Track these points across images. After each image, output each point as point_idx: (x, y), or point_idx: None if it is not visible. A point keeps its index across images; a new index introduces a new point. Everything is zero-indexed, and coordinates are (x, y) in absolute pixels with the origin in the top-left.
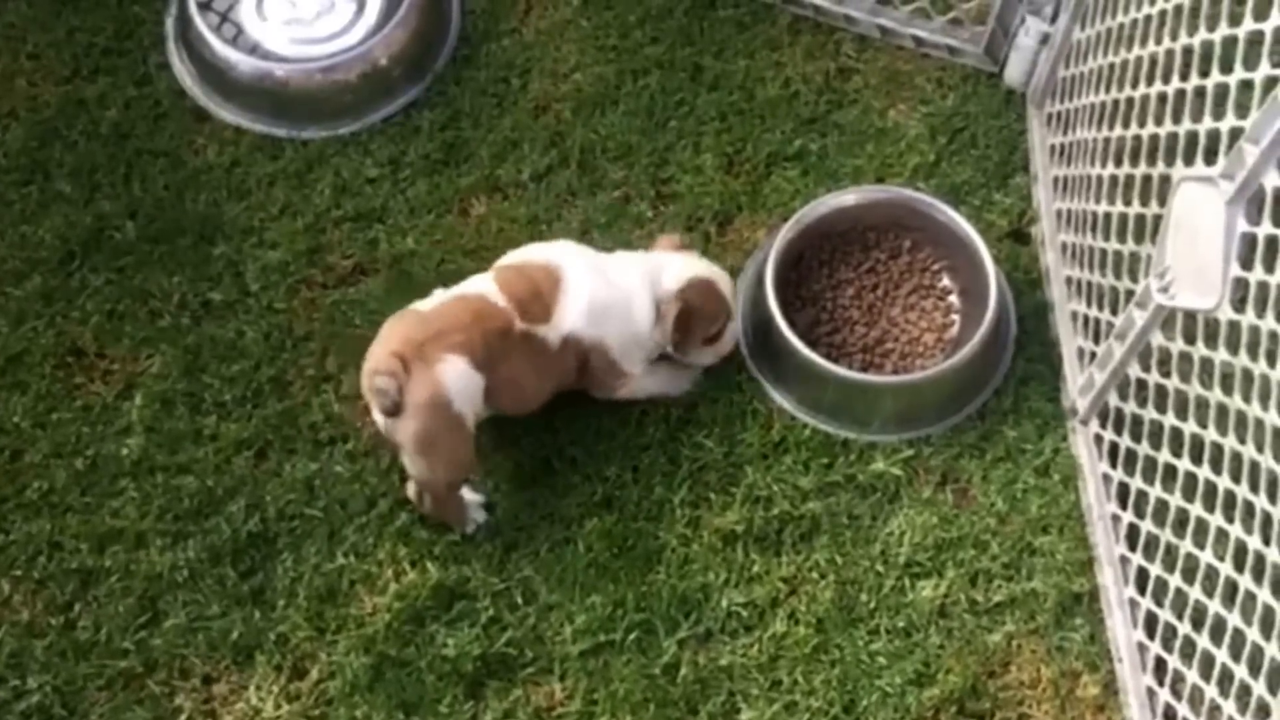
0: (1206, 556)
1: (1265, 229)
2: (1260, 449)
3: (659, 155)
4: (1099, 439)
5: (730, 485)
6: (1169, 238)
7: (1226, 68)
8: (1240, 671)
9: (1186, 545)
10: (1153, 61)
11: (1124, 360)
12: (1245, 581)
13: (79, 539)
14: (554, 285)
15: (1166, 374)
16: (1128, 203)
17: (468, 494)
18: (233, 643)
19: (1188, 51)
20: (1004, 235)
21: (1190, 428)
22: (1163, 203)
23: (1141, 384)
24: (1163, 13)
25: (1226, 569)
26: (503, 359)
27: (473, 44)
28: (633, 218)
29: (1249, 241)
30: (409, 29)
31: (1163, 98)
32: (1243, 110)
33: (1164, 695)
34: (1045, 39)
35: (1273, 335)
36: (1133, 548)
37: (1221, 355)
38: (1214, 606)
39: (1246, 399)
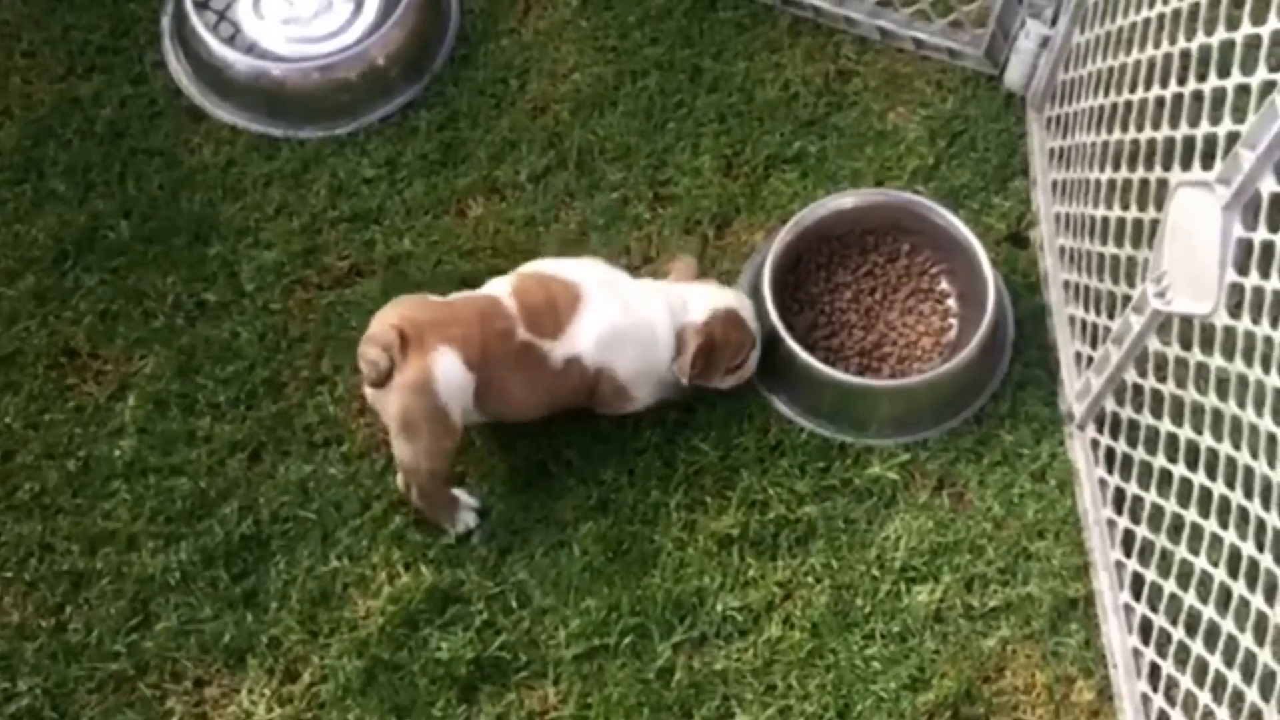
0: (1201, 562)
1: (1261, 234)
2: (1255, 455)
3: (657, 157)
4: (1095, 444)
5: (726, 489)
6: (1166, 243)
7: (1224, 72)
8: (1234, 678)
9: (1181, 551)
10: (1151, 65)
11: (1120, 365)
12: (1239, 587)
13: (70, 541)
14: (571, 304)
15: (1163, 379)
16: (1125, 207)
17: (462, 496)
18: (225, 645)
19: (1185, 55)
20: (1002, 239)
21: (1186, 433)
22: (1160, 207)
23: (1138, 389)
24: (1161, 16)
25: (1221, 575)
26: (497, 364)
27: (471, 44)
28: (631, 219)
29: (1245, 247)
30: (407, 28)
31: (1160, 102)
32: (1240, 115)
33: (1158, 701)
34: (1045, 42)
35: (1268, 341)
36: (1128, 553)
37: (1217, 361)
38: (1208, 612)
39: (1241, 404)
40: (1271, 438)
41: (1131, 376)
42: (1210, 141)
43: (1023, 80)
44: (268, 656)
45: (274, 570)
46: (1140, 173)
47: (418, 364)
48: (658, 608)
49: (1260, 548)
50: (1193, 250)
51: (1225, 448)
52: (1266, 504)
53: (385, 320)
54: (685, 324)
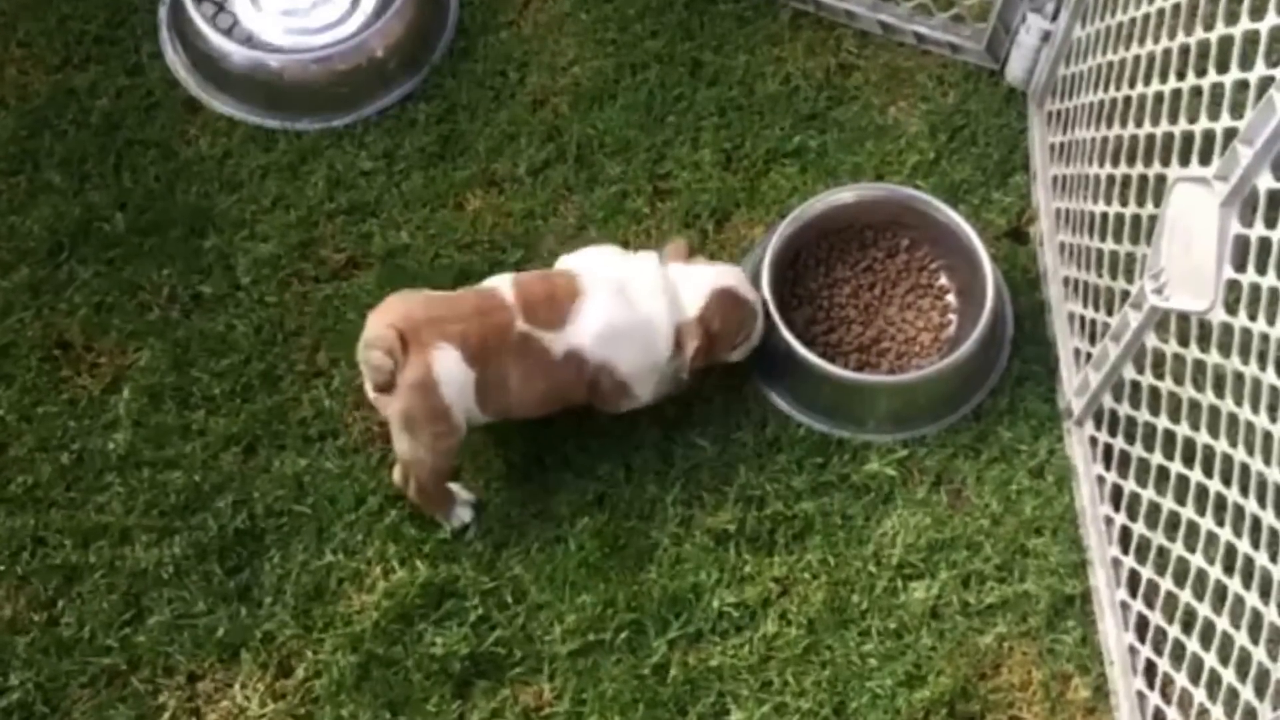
0: (1197, 560)
1: (1258, 231)
2: (1251, 452)
3: (657, 151)
4: (1094, 440)
5: (723, 484)
6: (1164, 239)
7: (1223, 67)
8: (1228, 676)
9: (1178, 548)
10: (1150, 60)
11: (1118, 362)
12: (1234, 585)
13: (63, 534)
14: (572, 296)
15: (1160, 376)
16: (1124, 203)
17: (458, 491)
18: (218, 640)
19: (1185, 50)
20: (1002, 234)
21: (1183, 430)
22: (1159, 203)
23: (1136, 385)
24: (1160, 11)
25: (1216, 573)
26: (497, 357)
27: (470, 36)
28: (630, 213)
29: (1242, 243)
30: (405, 20)
31: (1160, 97)
32: (1238, 111)
33: (1154, 699)
34: (1046, 37)
35: (1264, 338)
36: (1125, 550)
37: (1214, 358)
38: (1204, 610)
39: (1238, 402)
40: (1268, 435)
41: (1129, 373)
42: (1209, 137)
43: (1024, 75)
44: (261, 651)
45: (268, 565)
46: (1139, 168)
47: (418, 363)
48: (654, 604)
49: (1256, 545)
50: (1190, 247)
51: (1222, 445)
52: (1262, 501)
53: (382, 321)
54: (681, 319)
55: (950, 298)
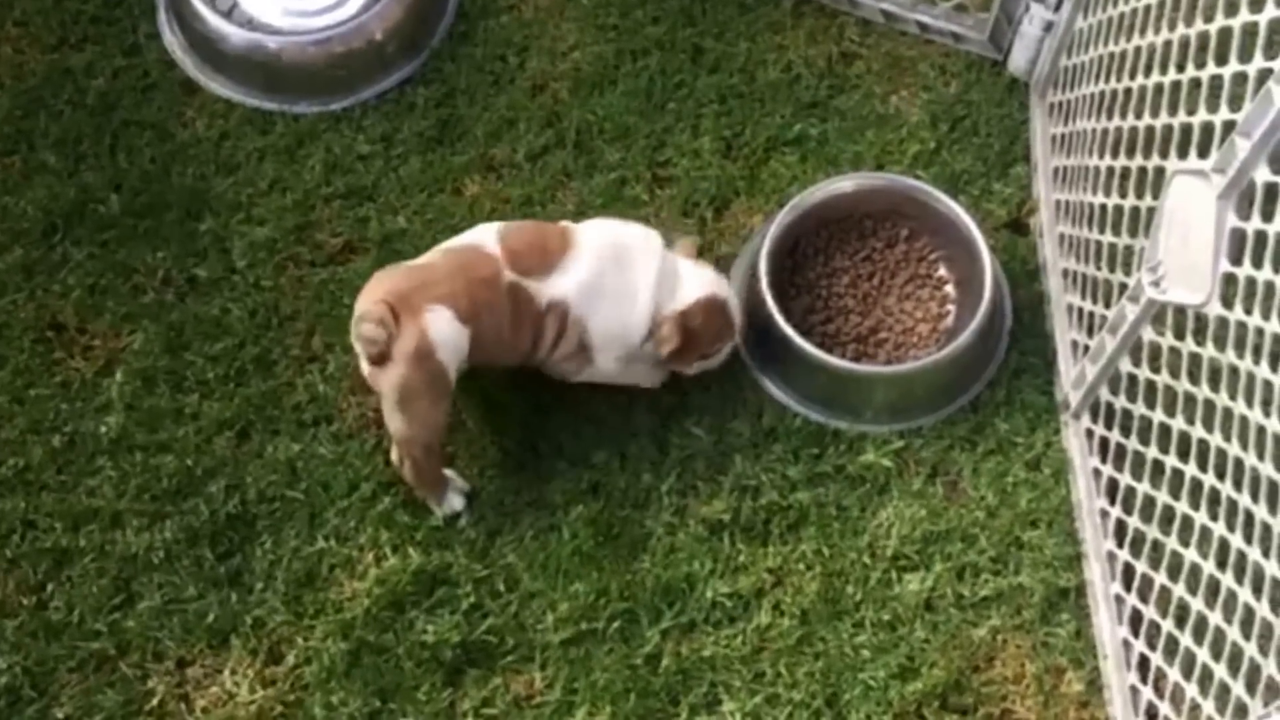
0: (1191, 554)
1: (1254, 224)
2: (1245, 447)
3: (657, 137)
4: (1090, 433)
5: (719, 474)
6: (1161, 231)
7: (1221, 60)
8: (1220, 671)
9: (1172, 542)
10: (1150, 52)
11: (1115, 354)
12: (1227, 580)
13: (54, 518)
14: (563, 246)
15: (1156, 369)
16: (1123, 195)
17: (454, 478)
18: (208, 626)
19: (1184, 42)
20: (1002, 225)
21: (1178, 424)
22: (1158, 196)
23: (1132, 379)
24: (1161, 3)
25: (1209, 567)
26: (488, 312)
27: (470, 20)
28: (628, 200)
29: (1239, 237)
30: (405, 3)
31: (1159, 89)
32: (1237, 103)
33: (1147, 693)
34: (1049, 27)
35: (1259, 332)
36: (1120, 544)
37: (1210, 351)
38: (1196, 605)
39: (1233, 396)
40: (1261, 430)
41: (1126, 366)
42: (1208, 130)
43: (1026, 65)
44: (251, 637)
45: (260, 550)
46: (1138, 160)
47: (412, 330)
48: (647, 593)
49: (1249, 540)
50: (1188, 239)
51: (1216, 439)
52: (1255, 497)
53: (371, 297)
54: (666, 309)
55: (949, 288)
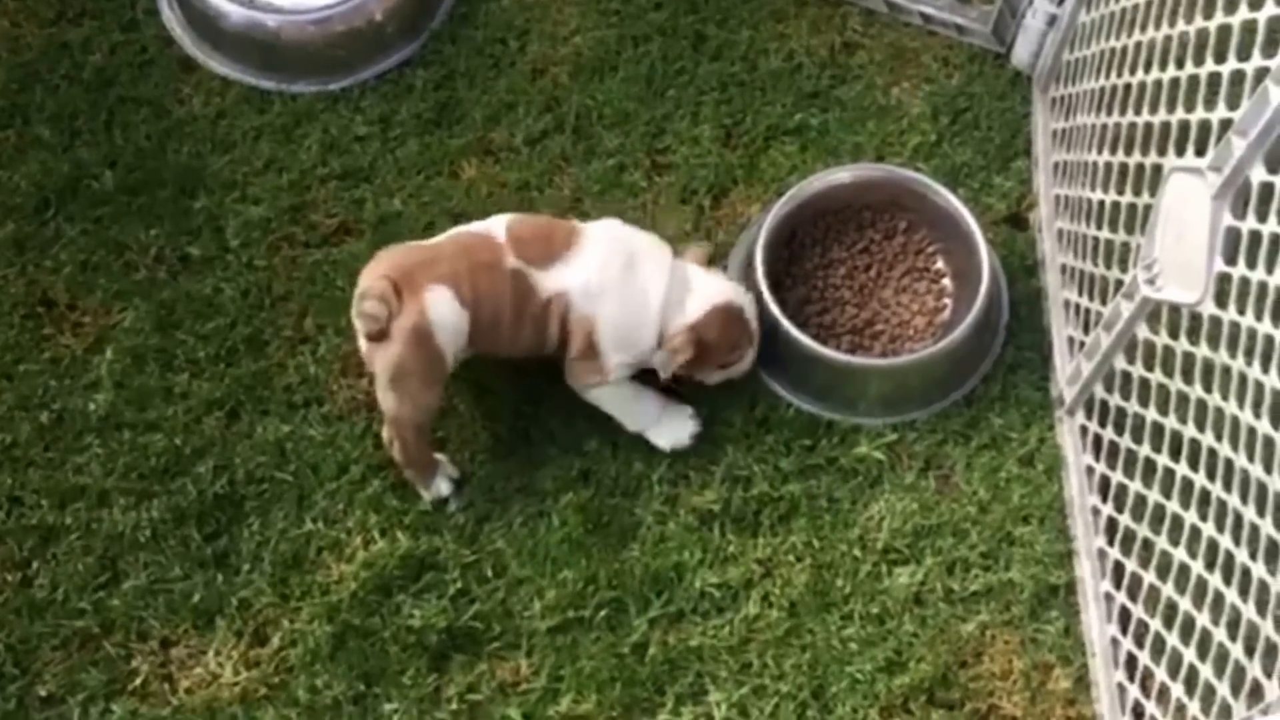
0: (1180, 554)
1: (1249, 224)
2: (1235, 448)
3: (656, 124)
4: (1084, 430)
5: (710, 464)
6: (1157, 229)
7: (1220, 57)
8: (1206, 671)
9: (1162, 541)
10: (1150, 48)
11: (1110, 351)
12: (1215, 580)
13: (40, 495)
14: (568, 239)
15: (1150, 368)
16: (1121, 191)
17: (444, 463)
18: (193, 606)
19: (1184, 39)
20: (1001, 219)
21: (1170, 423)
22: (1156, 193)
23: (1126, 376)
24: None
25: (1198, 567)
26: (489, 297)
27: (471, 2)
28: (626, 187)
29: (1234, 236)
30: None
31: (1159, 85)
32: (1235, 101)
33: (1134, 691)
34: (1052, 21)
35: (1251, 333)
36: (1111, 542)
37: (1203, 351)
38: (1185, 604)
39: (1225, 396)
40: (1251, 431)
41: (1120, 363)
42: (1205, 128)
43: (1029, 59)
44: (237, 618)
45: (247, 531)
46: (1136, 157)
47: (413, 308)
48: (635, 582)
49: (1237, 541)
50: (1183, 238)
51: (1208, 439)
52: (1245, 498)
53: (374, 273)
54: (677, 320)
55: (946, 281)
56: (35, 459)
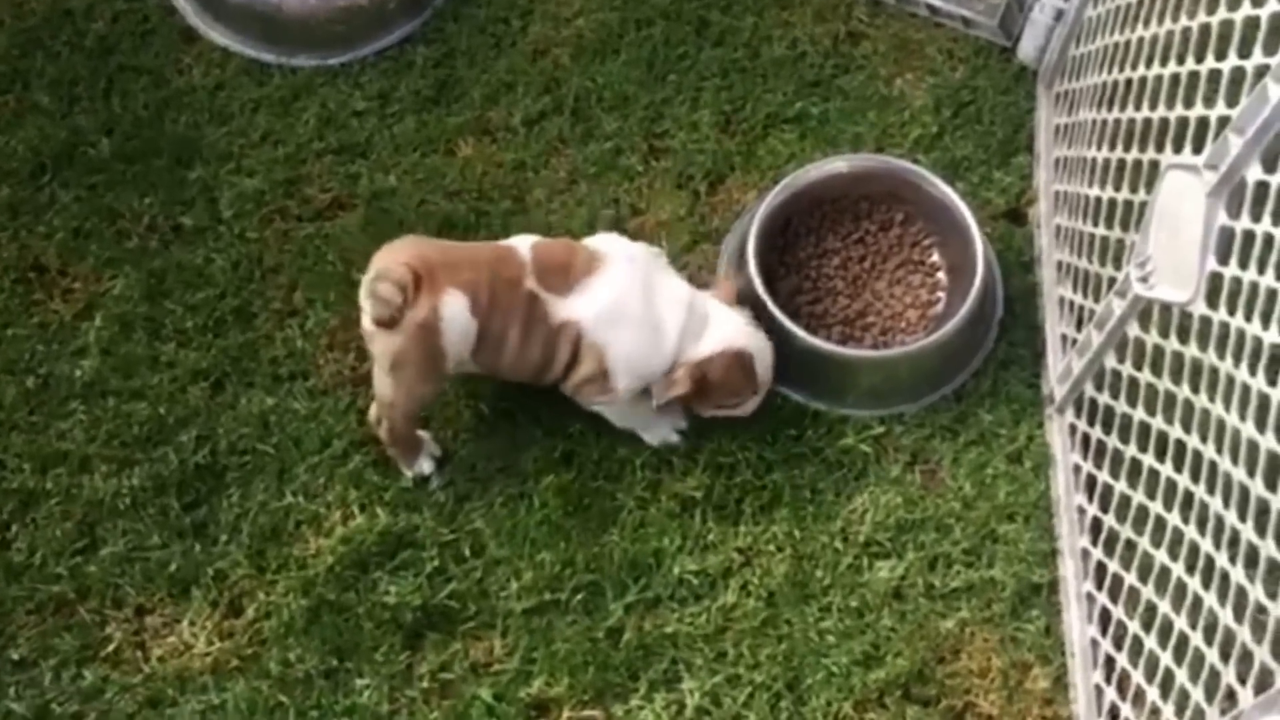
0: (1161, 556)
1: (1243, 223)
2: (1220, 450)
3: (655, 109)
4: (1073, 429)
5: (694, 450)
6: (1152, 226)
7: (1222, 53)
8: (1181, 676)
9: (1144, 543)
10: (1153, 43)
11: (1101, 349)
12: (1194, 584)
13: (22, 459)
14: (588, 267)
15: (1140, 367)
16: (1118, 188)
17: (428, 441)
18: (169, 575)
19: (1187, 34)
20: (1000, 214)
21: (1158, 423)
22: (1153, 190)
23: (1117, 375)
24: None
25: (1179, 570)
26: (500, 313)
27: None
28: (622, 170)
29: (1227, 236)
30: None
31: (1159, 80)
32: (1235, 98)
33: (1110, 693)
34: (1059, 15)
35: (1241, 335)
36: (1095, 542)
37: (1192, 351)
38: (1164, 607)
39: (1211, 398)
40: (1236, 434)
41: (1111, 362)
42: (1204, 124)
43: (1035, 54)
44: (212, 589)
45: (226, 502)
46: (1135, 153)
47: (427, 305)
48: (613, 566)
49: (1217, 545)
50: (1177, 236)
51: (1193, 441)
52: (1227, 502)
53: (397, 257)
54: (687, 354)
55: (941, 275)
56: (19, 423)
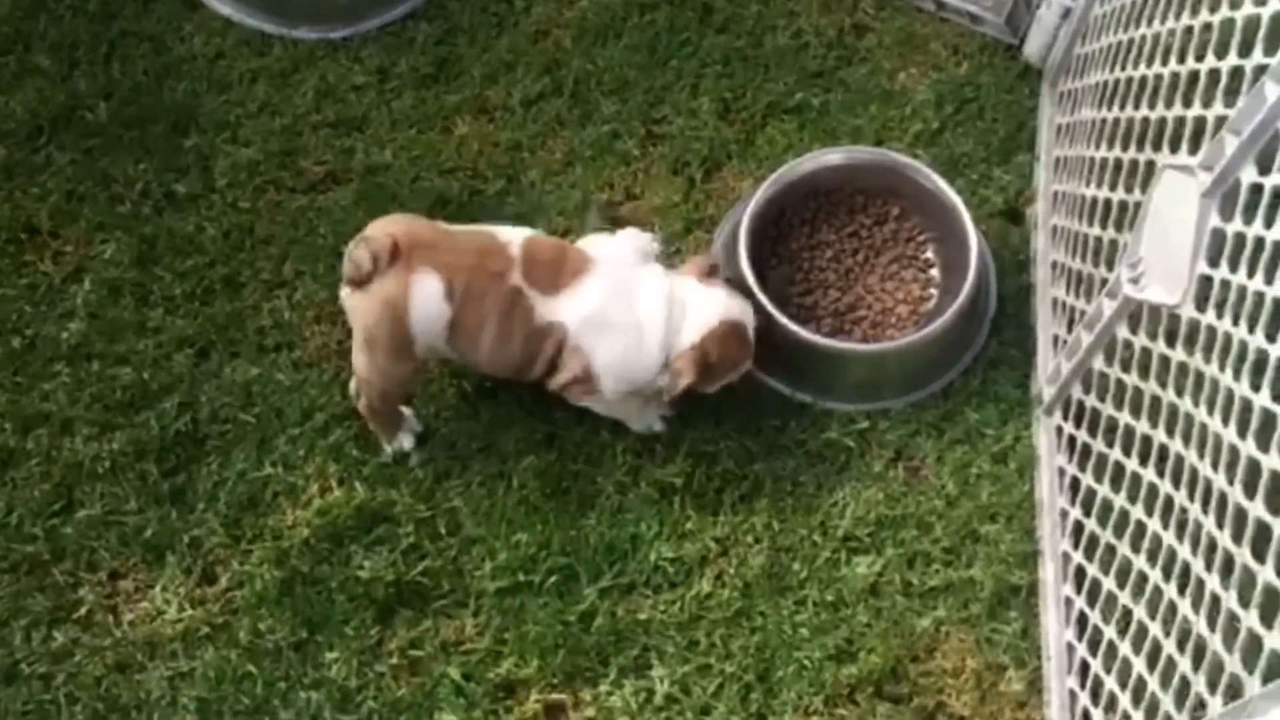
0: (1140, 561)
1: (1235, 226)
2: (1201, 455)
3: (655, 94)
4: (1060, 431)
5: (676, 438)
6: (1146, 227)
7: (1222, 52)
8: (1153, 683)
9: (1124, 548)
10: (1156, 41)
11: (1090, 351)
12: (1170, 591)
13: (4, 419)
14: (577, 270)
15: (1127, 369)
16: (1115, 188)
17: (409, 417)
18: (145, 540)
19: (1189, 32)
20: (997, 213)
21: (1142, 427)
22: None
23: (1104, 377)
24: None
25: (1156, 576)
26: (479, 303)
27: None
28: (619, 154)
29: (1219, 238)
30: None
31: (1160, 79)
32: (1233, 98)
33: (1084, 699)
34: (1066, 14)
35: (1227, 340)
36: (1076, 545)
37: (1178, 355)
38: (1139, 613)
39: (1195, 403)
40: (1218, 439)
41: (1099, 364)
42: (1201, 124)
43: (1041, 52)
44: (187, 556)
45: (205, 470)
46: (1133, 153)
47: (398, 280)
48: (589, 550)
49: (1194, 552)
50: (1170, 237)
51: (1176, 445)
52: (1205, 508)
53: (384, 227)
54: (680, 343)
55: (934, 272)
56: (3, 383)
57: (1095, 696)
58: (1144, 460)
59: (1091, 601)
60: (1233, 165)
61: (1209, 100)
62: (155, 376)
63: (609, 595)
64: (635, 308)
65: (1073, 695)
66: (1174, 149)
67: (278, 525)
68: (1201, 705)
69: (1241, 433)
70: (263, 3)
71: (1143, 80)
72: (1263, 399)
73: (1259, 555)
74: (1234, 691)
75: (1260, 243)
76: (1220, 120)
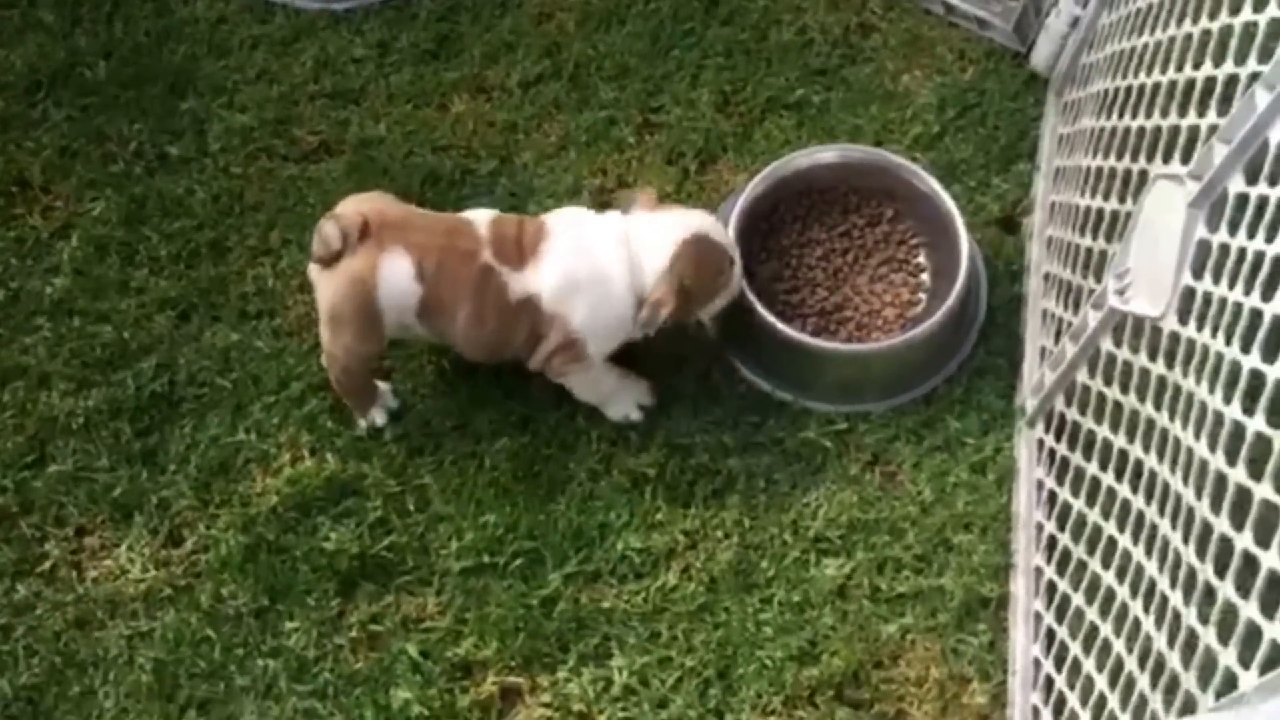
0: (1109, 578)
1: (1220, 236)
2: (1173, 470)
3: (654, 82)
4: (1040, 444)
5: (652, 428)
6: (1134, 238)
7: (1219, 60)
8: (1113, 701)
9: (1094, 563)
10: (1155, 49)
11: (1074, 363)
12: (1136, 608)
13: None
14: (536, 240)
15: (1109, 383)
16: (1108, 198)
17: (385, 394)
18: (113, 499)
19: (1187, 40)
20: (992, 221)
21: (1120, 442)
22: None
23: (1086, 390)
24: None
25: (1123, 593)
26: (451, 284)
27: None
28: (614, 141)
29: (1204, 249)
30: None
31: (1157, 88)
32: (1227, 106)
33: (1046, 715)
34: (1075, 22)
35: (1205, 353)
36: (1049, 559)
37: (1159, 369)
38: (1105, 630)
39: (1172, 417)
40: (1190, 455)
41: (1082, 376)
42: (1194, 134)
43: (1048, 61)
44: (154, 517)
45: (179, 432)
46: (1127, 162)
47: (367, 258)
48: (556, 535)
49: (1161, 569)
50: (1157, 248)
51: (1150, 461)
52: (1174, 523)
53: (355, 205)
54: (646, 275)
55: (925, 277)
56: None
57: (1058, 713)
58: (1119, 475)
59: (1060, 617)
60: (1221, 174)
61: (1204, 108)
62: (135, 336)
63: (573, 581)
64: (598, 264)
65: (1035, 711)
66: (1167, 158)
67: (247, 492)
68: None
69: (1212, 447)
70: None
71: (1140, 89)
72: (1233, 411)
73: (1220, 572)
74: (1189, 708)
75: (1243, 254)
76: (1213, 129)
